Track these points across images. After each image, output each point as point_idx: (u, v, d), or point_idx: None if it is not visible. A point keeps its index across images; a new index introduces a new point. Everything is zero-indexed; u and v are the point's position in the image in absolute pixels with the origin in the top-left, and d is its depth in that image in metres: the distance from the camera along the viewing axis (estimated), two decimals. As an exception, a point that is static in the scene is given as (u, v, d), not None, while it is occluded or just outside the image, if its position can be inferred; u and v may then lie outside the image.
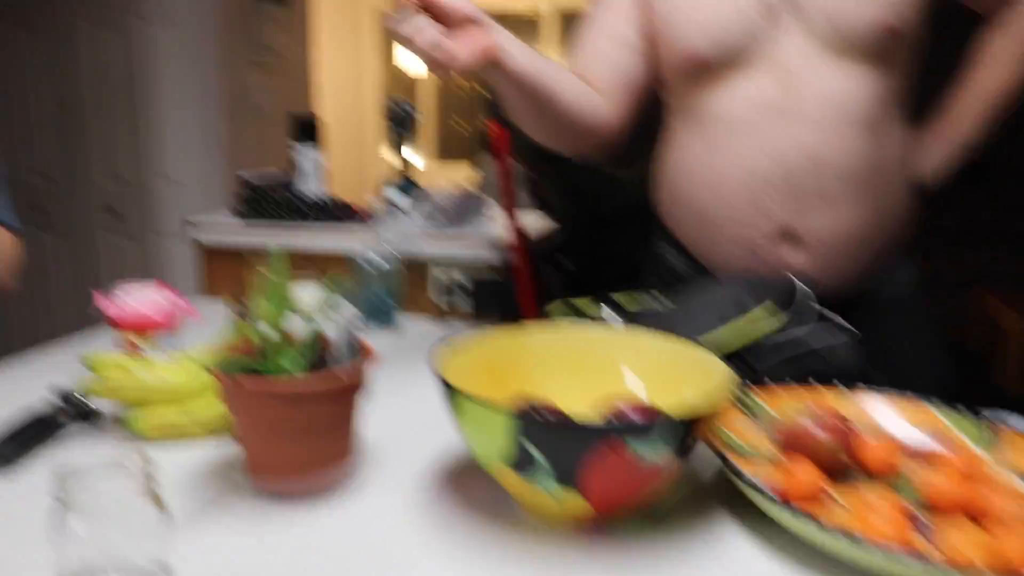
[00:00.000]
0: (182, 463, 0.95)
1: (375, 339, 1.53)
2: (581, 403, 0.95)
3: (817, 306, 1.19)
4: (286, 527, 0.82)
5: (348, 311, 0.90)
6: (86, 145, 3.62)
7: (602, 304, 1.43)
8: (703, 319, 1.22)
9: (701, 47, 1.25)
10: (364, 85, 6.86)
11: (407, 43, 0.99)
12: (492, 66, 1.09)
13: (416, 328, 1.59)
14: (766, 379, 1.06)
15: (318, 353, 0.89)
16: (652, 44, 1.35)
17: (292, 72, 3.91)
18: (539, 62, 1.17)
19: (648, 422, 0.76)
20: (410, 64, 6.23)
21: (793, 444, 0.89)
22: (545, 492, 0.78)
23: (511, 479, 0.80)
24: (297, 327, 0.90)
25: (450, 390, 0.81)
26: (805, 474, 0.83)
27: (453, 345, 0.93)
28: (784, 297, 1.20)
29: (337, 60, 6.37)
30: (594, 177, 4.43)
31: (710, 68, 1.26)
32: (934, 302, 1.40)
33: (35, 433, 0.97)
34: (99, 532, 0.62)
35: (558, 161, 4.01)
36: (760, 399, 1.01)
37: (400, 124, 1.79)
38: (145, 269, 3.56)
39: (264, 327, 0.90)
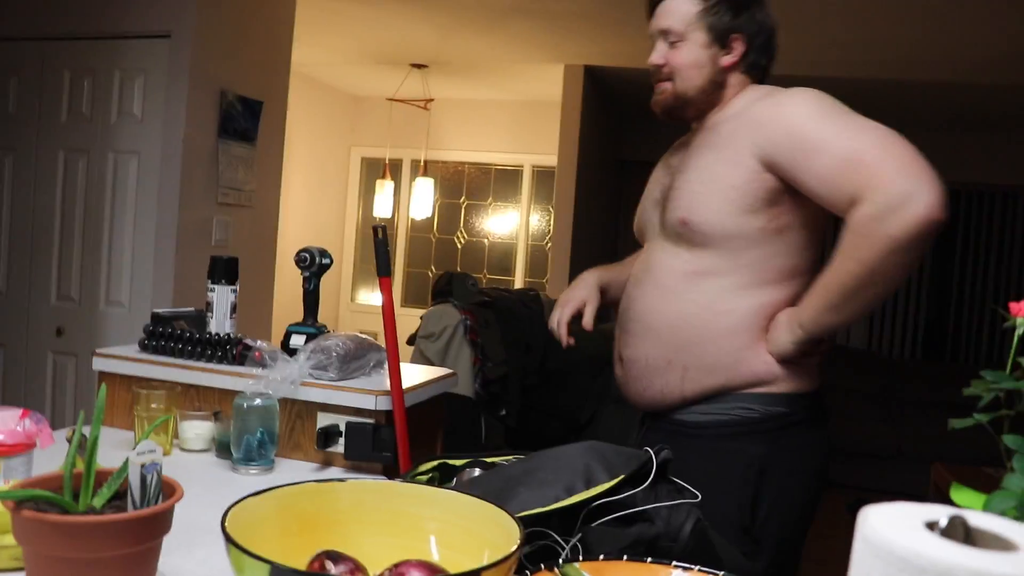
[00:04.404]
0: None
1: (247, 478, 1.56)
2: (388, 562, 0.97)
3: (679, 481, 1.24)
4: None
5: (157, 451, 0.94)
6: (45, 264, 3.70)
7: (477, 468, 1.46)
8: (548, 489, 1.26)
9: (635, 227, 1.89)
10: (330, 224, 7.06)
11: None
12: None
13: (290, 469, 1.62)
14: (589, 540, 1.09)
15: (117, 491, 0.92)
16: None
17: (258, 209, 4.03)
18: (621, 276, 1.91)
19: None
20: (382, 209, 6.44)
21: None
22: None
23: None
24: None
25: (226, 537, 0.84)
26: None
27: (263, 496, 0.96)
28: (638, 469, 1.24)
29: (306, 199, 6.58)
30: (543, 330, 4.52)
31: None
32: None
33: None
34: None
35: (502, 311, 4.07)
36: (585, 571, 1.03)
37: (308, 269, 1.87)
38: (86, 388, 3.59)
39: (78, 461, 0.94)
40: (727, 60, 1.68)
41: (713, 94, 1.69)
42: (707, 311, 1.63)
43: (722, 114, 1.69)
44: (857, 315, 1.55)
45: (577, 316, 1.87)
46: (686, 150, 1.74)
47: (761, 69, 1.73)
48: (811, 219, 1.61)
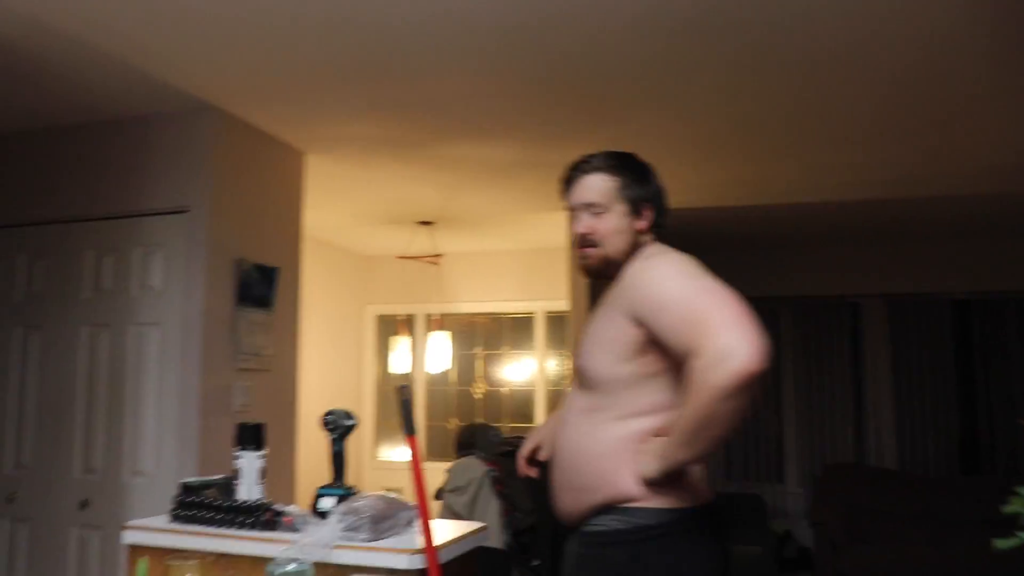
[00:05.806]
0: None
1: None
2: None
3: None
4: None
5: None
6: (69, 436, 3.71)
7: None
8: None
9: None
10: (348, 382, 7.08)
11: None
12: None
13: (328, 639, 1.58)
14: None
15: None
16: None
17: (277, 373, 4.07)
18: None
19: None
20: (399, 364, 6.46)
21: None
22: None
23: None
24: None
25: None
26: None
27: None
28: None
29: (323, 358, 6.63)
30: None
31: None
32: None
33: None
34: None
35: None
36: None
37: (335, 431, 1.88)
38: (111, 562, 3.52)
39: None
40: (640, 225, 1.97)
41: (631, 255, 1.96)
42: (588, 438, 1.89)
43: (621, 274, 1.96)
44: (706, 451, 1.74)
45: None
46: (600, 305, 2.00)
47: (660, 227, 2.02)
48: (677, 363, 1.79)
